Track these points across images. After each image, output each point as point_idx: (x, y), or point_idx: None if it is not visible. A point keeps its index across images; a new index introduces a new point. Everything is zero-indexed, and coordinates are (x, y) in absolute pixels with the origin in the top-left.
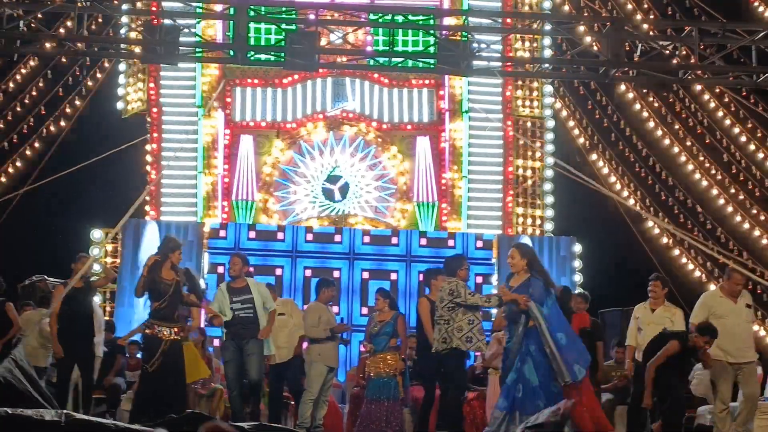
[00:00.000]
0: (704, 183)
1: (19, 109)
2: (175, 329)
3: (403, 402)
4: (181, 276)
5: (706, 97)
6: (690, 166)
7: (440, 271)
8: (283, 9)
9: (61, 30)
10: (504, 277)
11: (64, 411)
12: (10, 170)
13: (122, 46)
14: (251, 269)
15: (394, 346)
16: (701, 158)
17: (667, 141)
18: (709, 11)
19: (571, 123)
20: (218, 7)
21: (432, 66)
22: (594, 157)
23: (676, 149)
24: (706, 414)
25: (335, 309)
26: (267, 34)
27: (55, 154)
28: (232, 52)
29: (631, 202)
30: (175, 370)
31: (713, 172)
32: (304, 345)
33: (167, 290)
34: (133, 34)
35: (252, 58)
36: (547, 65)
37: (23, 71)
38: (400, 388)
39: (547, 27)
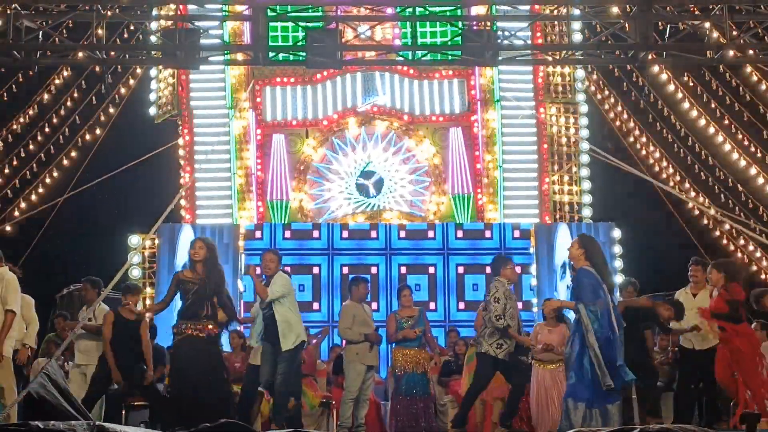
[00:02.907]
0: (743, 162)
1: (55, 120)
2: (203, 326)
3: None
4: (214, 274)
5: (747, 70)
6: (728, 145)
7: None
8: (303, 7)
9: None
10: (543, 267)
11: (97, 423)
12: (47, 180)
13: (143, 52)
14: (287, 268)
15: (423, 342)
16: (740, 137)
17: (703, 120)
18: None
19: (606, 106)
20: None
21: (458, 57)
22: (630, 139)
23: (713, 129)
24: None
25: (374, 306)
26: (294, 31)
27: (90, 162)
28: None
29: (670, 184)
30: (202, 369)
31: (752, 150)
32: (343, 344)
33: (191, 288)
34: (153, 39)
35: (274, 58)
36: (575, 51)
37: (57, 81)
38: (431, 384)
39: (576, 12)
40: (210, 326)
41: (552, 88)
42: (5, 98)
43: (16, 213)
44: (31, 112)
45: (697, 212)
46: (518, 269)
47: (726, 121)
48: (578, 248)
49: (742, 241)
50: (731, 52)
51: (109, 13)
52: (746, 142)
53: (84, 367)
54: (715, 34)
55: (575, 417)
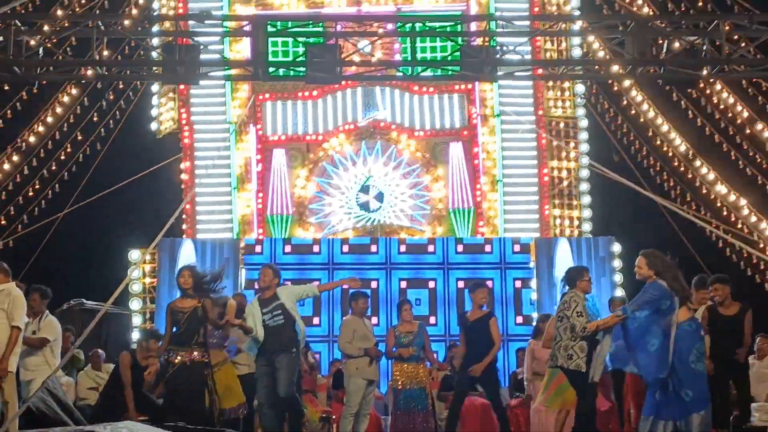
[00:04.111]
0: (748, 173)
1: (57, 136)
2: (192, 353)
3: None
4: (205, 301)
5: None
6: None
7: (480, 284)
8: (303, 23)
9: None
10: (543, 281)
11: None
12: (50, 195)
13: (144, 68)
14: (288, 283)
15: (423, 357)
16: (745, 148)
17: (705, 131)
18: (740, 3)
19: (606, 120)
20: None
21: (457, 72)
22: (631, 153)
23: (714, 141)
24: (753, 412)
25: (374, 320)
26: (295, 46)
27: (92, 177)
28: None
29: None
30: (188, 396)
31: (759, 161)
32: (344, 358)
33: (182, 318)
34: (154, 55)
35: (274, 73)
36: (574, 66)
37: (60, 98)
38: (430, 399)
39: (575, 27)
40: (196, 353)
41: (552, 103)
42: (9, 115)
43: (19, 228)
44: (35, 129)
45: (699, 226)
46: (518, 284)
47: (731, 133)
48: (648, 269)
49: (745, 256)
50: (727, 68)
51: (110, 29)
52: (751, 154)
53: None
54: (712, 50)
55: None
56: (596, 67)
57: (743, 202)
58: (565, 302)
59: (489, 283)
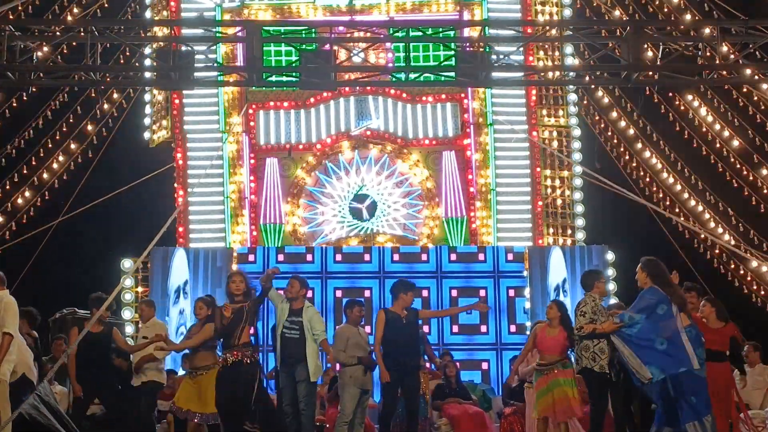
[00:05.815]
0: (734, 184)
1: (49, 144)
2: (233, 354)
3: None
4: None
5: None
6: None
7: (410, 286)
8: (297, 29)
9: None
10: (537, 290)
11: None
12: (39, 203)
13: (138, 74)
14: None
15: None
16: (731, 160)
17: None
18: (730, 10)
19: (599, 129)
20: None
21: (452, 78)
22: (623, 162)
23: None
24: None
25: (367, 329)
26: (288, 55)
27: (85, 185)
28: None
29: (662, 206)
30: (240, 395)
31: (744, 173)
32: (338, 367)
33: (227, 322)
34: (148, 62)
35: (267, 79)
36: (568, 73)
37: (52, 106)
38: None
39: (568, 34)
40: (236, 352)
41: (545, 112)
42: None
43: (7, 235)
44: (26, 136)
45: (689, 235)
46: (512, 293)
47: (717, 145)
48: (642, 272)
49: (732, 265)
50: (723, 73)
51: (104, 35)
52: (738, 166)
53: None
54: (706, 56)
55: None
56: (590, 72)
57: (730, 212)
58: (578, 305)
59: (482, 292)
